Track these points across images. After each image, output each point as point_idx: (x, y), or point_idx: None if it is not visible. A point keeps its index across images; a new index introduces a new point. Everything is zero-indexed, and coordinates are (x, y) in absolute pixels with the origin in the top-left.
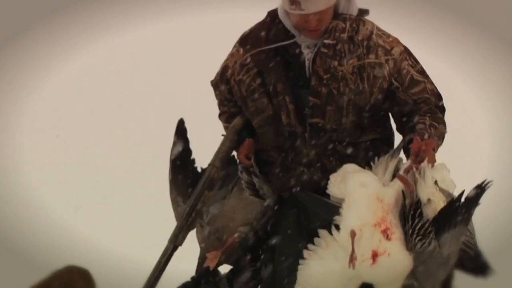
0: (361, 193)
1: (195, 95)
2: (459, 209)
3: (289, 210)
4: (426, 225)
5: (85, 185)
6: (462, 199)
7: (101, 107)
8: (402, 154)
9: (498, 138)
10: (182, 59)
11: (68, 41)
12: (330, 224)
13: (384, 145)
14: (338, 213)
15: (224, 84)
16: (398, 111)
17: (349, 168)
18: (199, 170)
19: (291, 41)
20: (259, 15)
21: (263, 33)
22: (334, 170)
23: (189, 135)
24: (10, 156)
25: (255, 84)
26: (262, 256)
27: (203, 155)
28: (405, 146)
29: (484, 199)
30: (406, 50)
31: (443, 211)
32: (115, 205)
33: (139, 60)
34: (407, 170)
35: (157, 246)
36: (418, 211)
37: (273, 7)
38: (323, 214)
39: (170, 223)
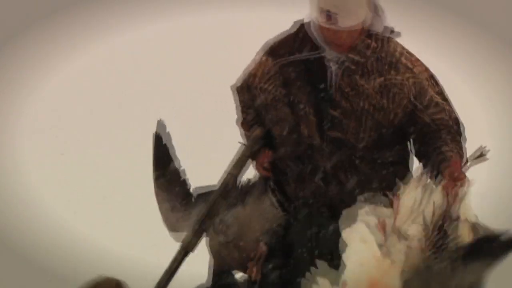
0: (360, 249)
1: (195, 95)
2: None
3: (301, 226)
4: (453, 242)
5: (85, 185)
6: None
7: (101, 107)
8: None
9: (498, 138)
10: (182, 59)
11: (68, 41)
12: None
13: (400, 165)
14: None
15: (248, 91)
16: (417, 132)
17: (363, 211)
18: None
19: (318, 54)
20: (259, 15)
21: (291, 44)
22: (349, 185)
23: (187, 135)
24: (10, 156)
25: (279, 93)
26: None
27: (203, 155)
28: (437, 167)
29: (484, 199)
30: (428, 71)
31: (482, 239)
32: (115, 205)
33: (139, 60)
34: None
35: (157, 246)
36: (452, 225)
37: (273, 7)
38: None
39: None
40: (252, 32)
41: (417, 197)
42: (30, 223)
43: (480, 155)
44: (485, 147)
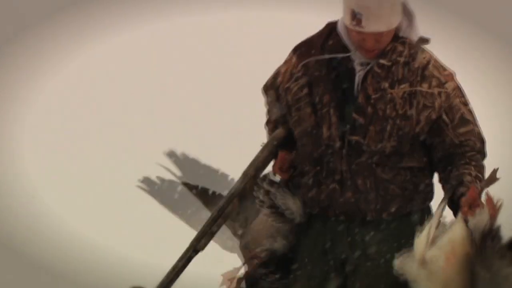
0: None
1: (194, 95)
2: None
3: (316, 231)
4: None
5: (85, 185)
6: None
7: (101, 107)
8: None
9: (499, 139)
10: (181, 59)
11: (67, 42)
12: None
13: (422, 175)
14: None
15: (274, 90)
16: (443, 150)
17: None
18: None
19: (345, 55)
20: (259, 14)
21: (318, 44)
22: (367, 192)
23: (186, 134)
24: (10, 156)
25: (302, 93)
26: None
27: (202, 154)
28: (452, 194)
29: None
30: (459, 87)
31: None
32: (115, 205)
33: (138, 61)
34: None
35: (159, 246)
36: (498, 234)
37: (275, 7)
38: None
39: (172, 223)
40: (253, 32)
41: (432, 224)
42: (30, 223)
43: (493, 179)
44: (497, 168)
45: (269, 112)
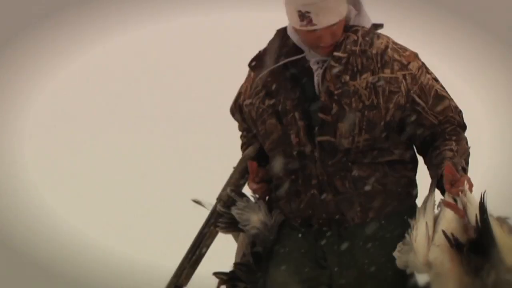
0: None
1: (194, 96)
2: None
3: (299, 240)
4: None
5: (84, 185)
6: None
7: (102, 108)
8: None
9: (499, 139)
10: (181, 60)
11: (67, 42)
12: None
13: (403, 168)
14: None
15: (238, 112)
16: (421, 133)
17: None
18: None
19: (298, 56)
20: (260, 15)
21: (272, 53)
22: (347, 192)
23: (184, 135)
24: (9, 157)
25: (264, 105)
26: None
27: (201, 153)
28: (438, 180)
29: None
30: (423, 65)
31: None
32: (115, 206)
33: (138, 61)
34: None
35: (159, 246)
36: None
37: (275, 8)
38: None
39: (170, 223)
40: (254, 32)
41: (428, 222)
42: (29, 223)
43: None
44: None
45: (241, 136)
